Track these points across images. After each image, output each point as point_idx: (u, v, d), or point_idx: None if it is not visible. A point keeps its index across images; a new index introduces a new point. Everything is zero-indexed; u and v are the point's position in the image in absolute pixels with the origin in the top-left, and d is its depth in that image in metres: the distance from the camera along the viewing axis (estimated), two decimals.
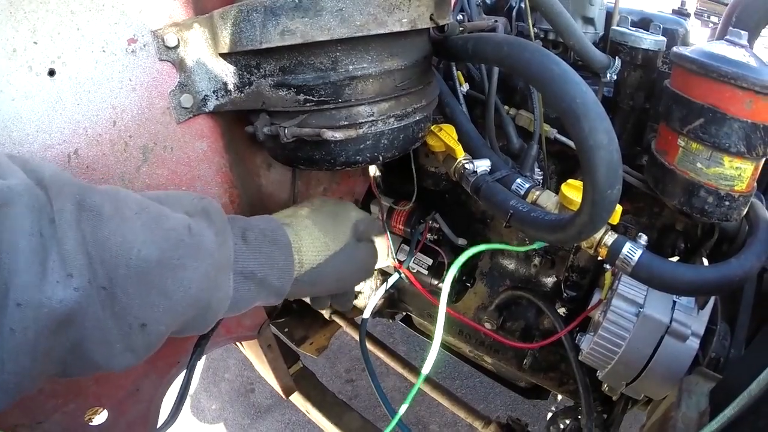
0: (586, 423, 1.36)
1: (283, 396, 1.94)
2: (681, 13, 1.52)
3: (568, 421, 1.52)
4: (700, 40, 1.69)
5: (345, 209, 1.17)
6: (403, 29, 0.86)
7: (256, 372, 3.09)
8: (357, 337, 2.01)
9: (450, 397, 1.97)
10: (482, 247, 1.16)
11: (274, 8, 0.80)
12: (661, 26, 1.29)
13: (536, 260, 1.55)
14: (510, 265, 1.62)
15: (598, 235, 1.01)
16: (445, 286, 1.11)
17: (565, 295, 1.48)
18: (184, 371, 1.07)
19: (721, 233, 1.19)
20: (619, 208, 0.99)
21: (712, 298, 1.16)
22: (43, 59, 0.82)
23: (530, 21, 1.10)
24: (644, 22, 1.40)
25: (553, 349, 1.57)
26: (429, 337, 2.05)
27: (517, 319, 1.59)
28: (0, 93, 0.80)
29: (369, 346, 2.10)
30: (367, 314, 1.38)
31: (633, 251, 0.98)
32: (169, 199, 0.85)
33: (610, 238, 1.01)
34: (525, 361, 1.59)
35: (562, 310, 1.49)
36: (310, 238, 1.04)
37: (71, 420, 1.09)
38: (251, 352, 1.88)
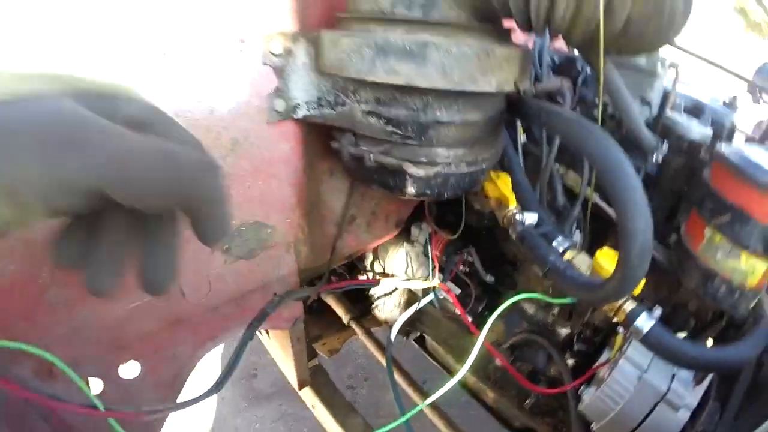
0: None
1: (297, 387, 2.05)
2: (731, 105, 1.60)
3: None
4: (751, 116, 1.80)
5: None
6: (491, 90, 0.98)
7: (261, 359, 3.21)
8: (369, 346, 2.14)
9: (448, 423, 2.07)
10: (525, 295, 1.29)
11: (386, 48, 0.92)
12: (710, 117, 1.40)
13: (555, 310, 1.64)
14: (530, 309, 1.70)
15: (619, 302, 1.13)
16: (485, 329, 1.22)
17: (575, 347, 1.57)
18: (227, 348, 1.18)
19: (731, 319, 1.28)
20: (642, 281, 1.11)
21: (709, 376, 1.25)
22: (162, 43, 0.94)
23: (600, 101, 1.21)
24: (696, 109, 1.50)
25: (555, 396, 1.65)
26: (438, 361, 2.18)
27: (526, 361, 1.67)
28: (116, 63, 0.91)
29: (378, 356, 2.20)
30: (395, 331, 1.51)
31: (646, 321, 1.10)
32: None
33: (629, 305, 1.12)
34: (528, 401, 1.69)
35: (570, 362, 1.58)
36: None
37: (106, 368, 1.17)
38: (277, 341, 2.01)
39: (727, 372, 1.23)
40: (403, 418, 1.29)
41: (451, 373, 2.12)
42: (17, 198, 0.48)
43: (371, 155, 1.03)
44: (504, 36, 1.05)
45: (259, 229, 1.24)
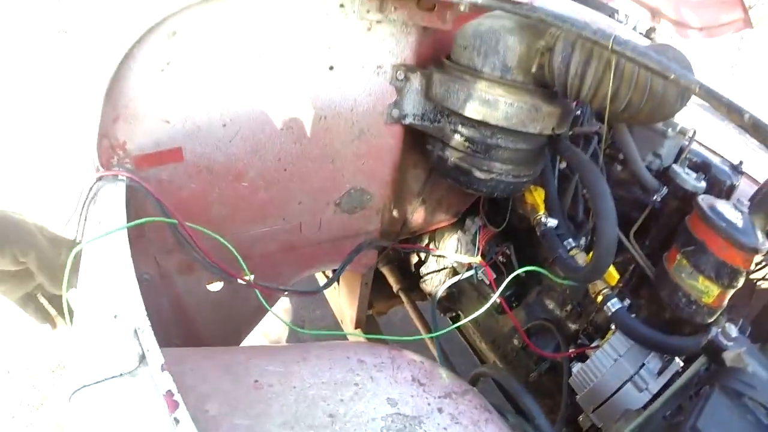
0: (557, 428, 1.97)
1: (349, 326, 2.68)
2: (735, 169, 2.06)
3: None
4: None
5: None
6: (535, 132, 1.59)
7: (309, 314, 3.84)
8: (411, 314, 2.74)
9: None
10: (532, 268, 1.89)
11: (473, 95, 1.54)
12: (705, 175, 1.88)
13: (568, 308, 2.16)
14: (549, 305, 2.24)
15: (600, 288, 1.73)
16: (503, 285, 1.84)
17: (579, 341, 2.06)
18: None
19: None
20: (616, 275, 1.72)
21: (671, 372, 1.71)
22: (328, 61, 1.57)
23: (603, 147, 1.84)
24: (704, 166, 1.98)
25: (554, 379, 2.17)
26: (470, 343, 2.72)
27: (537, 347, 2.16)
28: (300, 69, 1.54)
29: (418, 325, 2.77)
30: (441, 290, 2.18)
31: (615, 304, 1.69)
32: None
33: (606, 291, 1.72)
34: (531, 374, 2.21)
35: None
36: None
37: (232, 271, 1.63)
38: (345, 285, 2.65)
39: (667, 353, 1.71)
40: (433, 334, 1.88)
41: (477, 353, 2.69)
42: None
43: (452, 158, 1.67)
44: (552, 97, 1.63)
45: (363, 194, 1.87)
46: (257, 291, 1.53)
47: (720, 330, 1.24)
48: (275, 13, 1.44)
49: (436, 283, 2.60)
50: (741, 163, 2.10)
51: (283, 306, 4.11)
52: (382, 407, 0.98)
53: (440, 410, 1.04)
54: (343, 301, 2.79)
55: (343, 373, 1.04)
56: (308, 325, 3.96)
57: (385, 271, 2.94)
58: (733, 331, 1.23)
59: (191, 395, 0.86)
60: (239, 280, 1.49)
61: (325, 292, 2.99)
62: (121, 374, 0.82)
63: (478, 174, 1.68)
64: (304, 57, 1.54)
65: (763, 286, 2.32)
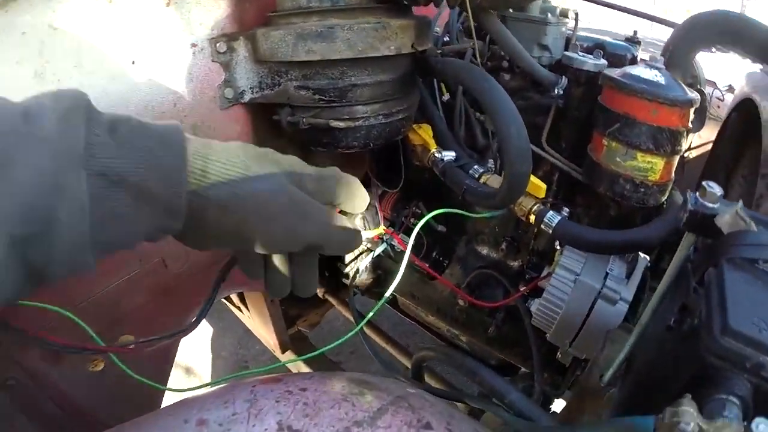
0: (536, 378, 1.78)
1: (279, 352, 2.41)
2: (632, 40, 1.96)
3: (524, 384, 1.95)
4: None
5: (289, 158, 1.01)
6: (391, 53, 1.32)
7: (250, 351, 3.57)
8: (346, 314, 2.49)
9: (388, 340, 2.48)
10: (441, 210, 1.62)
11: (303, 34, 1.27)
12: (602, 52, 1.71)
13: (503, 245, 1.97)
14: (483, 250, 2.05)
15: (528, 206, 1.49)
16: (411, 239, 1.56)
17: (527, 276, 1.88)
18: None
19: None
20: (542, 185, 1.49)
21: (640, 271, 1.55)
22: (127, 56, 1.28)
23: (477, 48, 1.59)
24: (598, 46, 1.83)
25: (517, 325, 1.97)
26: (412, 318, 2.51)
27: (485, 299, 1.97)
28: (94, 74, 1.24)
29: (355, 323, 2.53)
30: (360, 266, 1.89)
31: (552, 217, 1.46)
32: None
33: (537, 207, 1.48)
34: (489, 329, 2.01)
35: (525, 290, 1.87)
36: (225, 151, 0.88)
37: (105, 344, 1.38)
38: (254, 309, 2.37)
39: (634, 251, 1.56)
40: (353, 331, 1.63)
41: (429, 329, 2.49)
42: (252, 241, 0.90)
43: (304, 119, 1.39)
44: (402, 11, 1.39)
45: None
46: (112, 355, 1.21)
47: (698, 194, 0.92)
48: (42, 20, 1.16)
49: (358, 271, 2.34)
50: (635, 32, 2.02)
51: (220, 350, 3.86)
52: None
53: None
54: (260, 329, 2.50)
55: None
56: (252, 363, 3.72)
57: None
58: (715, 188, 0.91)
59: None
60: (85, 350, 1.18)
61: (245, 322, 2.69)
62: None
63: (339, 125, 1.40)
64: (93, 60, 1.25)
65: (691, 156, 2.31)
